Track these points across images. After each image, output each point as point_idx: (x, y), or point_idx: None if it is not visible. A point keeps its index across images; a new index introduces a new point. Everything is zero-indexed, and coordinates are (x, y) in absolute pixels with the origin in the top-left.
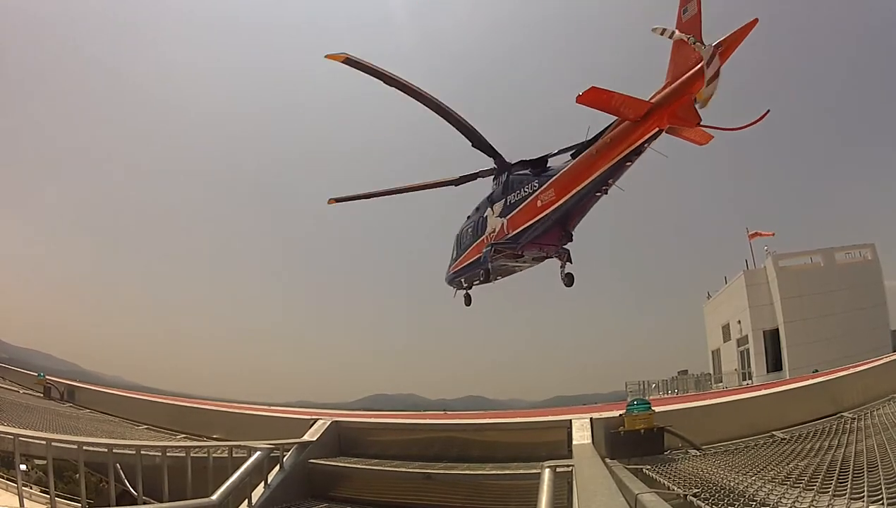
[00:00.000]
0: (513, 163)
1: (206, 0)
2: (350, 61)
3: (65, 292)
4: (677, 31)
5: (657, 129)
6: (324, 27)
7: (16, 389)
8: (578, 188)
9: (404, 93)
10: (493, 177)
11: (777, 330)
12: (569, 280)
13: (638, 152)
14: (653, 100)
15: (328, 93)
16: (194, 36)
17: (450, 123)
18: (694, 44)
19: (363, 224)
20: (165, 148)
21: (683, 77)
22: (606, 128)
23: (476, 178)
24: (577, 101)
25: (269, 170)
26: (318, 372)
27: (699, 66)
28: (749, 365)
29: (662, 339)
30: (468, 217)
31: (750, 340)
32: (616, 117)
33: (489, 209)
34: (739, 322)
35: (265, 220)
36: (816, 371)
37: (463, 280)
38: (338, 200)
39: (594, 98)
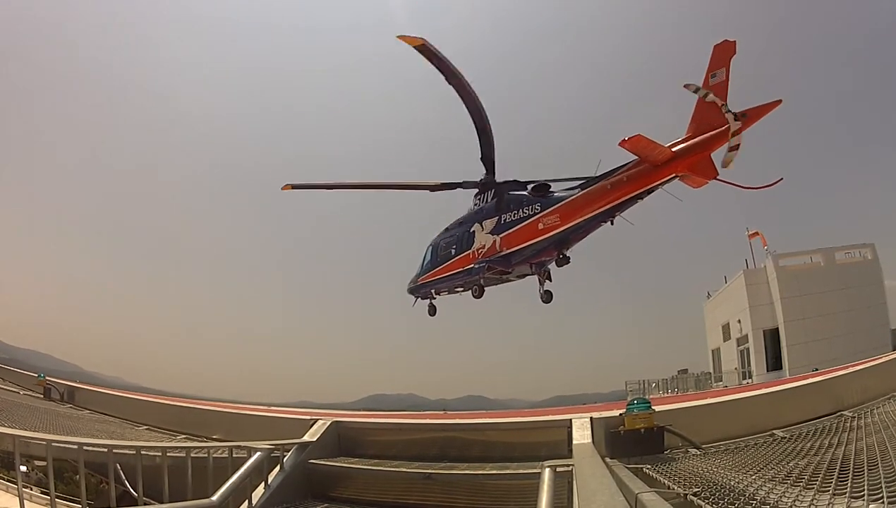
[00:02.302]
0: (500, 182)
1: (207, 7)
2: (424, 48)
3: (65, 293)
4: (712, 94)
5: (673, 175)
6: (326, 31)
7: (16, 390)
8: (586, 217)
9: (460, 94)
10: (476, 191)
11: (777, 329)
12: (547, 297)
13: (650, 192)
14: (675, 149)
15: (329, 95)
16: (196, 41)
17: (476, 129)
18: (726, 113)
19: (363, 224)
20: (166, 150)
21: (709, 134)
22: (621, 166)
23: (456, 188)
24: (619, 145)
25: (270, 171)
26: (317, 373)
27: (724, 128)
28: (749, 364)
29: (662, 339)
30: (446, 228)
31: (750, 339)
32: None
33: (478, 225)
34: (739, 321)
35: (265, 221)
36: (816, 370)
37: (434, 290)
38: (294, 187)
39: (635, 143)
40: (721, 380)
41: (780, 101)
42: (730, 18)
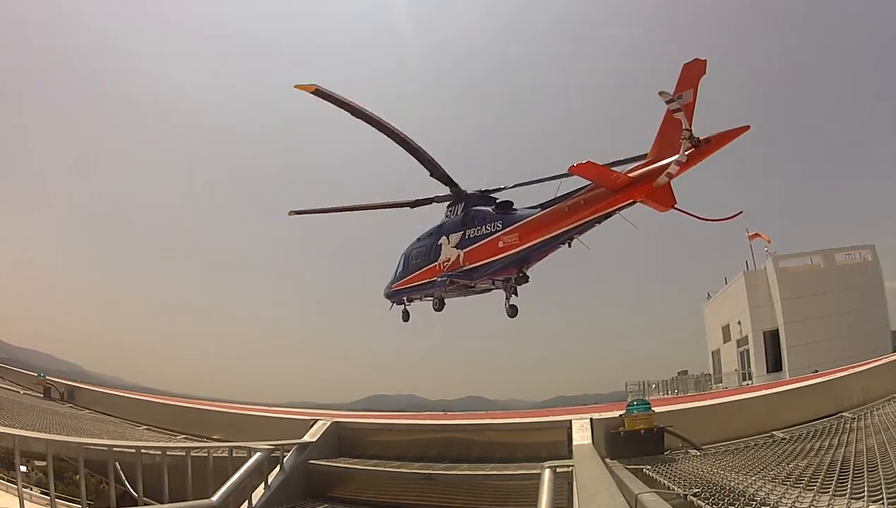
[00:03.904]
0: (469, 193)
1: (207, 14)
2: (319, 92)
3: (65, 292)
4: (680, 110)
5: (631, 201)
6: (328, 38)
7: (16, 389)
8: (543, 238)
9: (370, 124)
10: (448, 204)
11: (777, 330)
12: (512, 311)
13: (607, 216)
14: (633, 175)
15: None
16: (195, 45)
17: (411, 155)
18: (687, 138)
19: (362, 224)
20: (166, 149)
21: (665, 161)
22: (581, 188)
23: (431, 203)
24: (569, 170)
25: (270, 172)
26: (318, 372)
27: (687, 152)
28: (749, 366)
29: (662, 339)
30: (418, 238)
31: (750, 341)
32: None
33: (444, 238)
34: (739, 322)
35: (264, 221)
36: (816, 371)
37: (405, 297)
38: (298, 213)
39: (585, 169)
40: (721, 382)
41: (748, 127)
42: (729, 18)
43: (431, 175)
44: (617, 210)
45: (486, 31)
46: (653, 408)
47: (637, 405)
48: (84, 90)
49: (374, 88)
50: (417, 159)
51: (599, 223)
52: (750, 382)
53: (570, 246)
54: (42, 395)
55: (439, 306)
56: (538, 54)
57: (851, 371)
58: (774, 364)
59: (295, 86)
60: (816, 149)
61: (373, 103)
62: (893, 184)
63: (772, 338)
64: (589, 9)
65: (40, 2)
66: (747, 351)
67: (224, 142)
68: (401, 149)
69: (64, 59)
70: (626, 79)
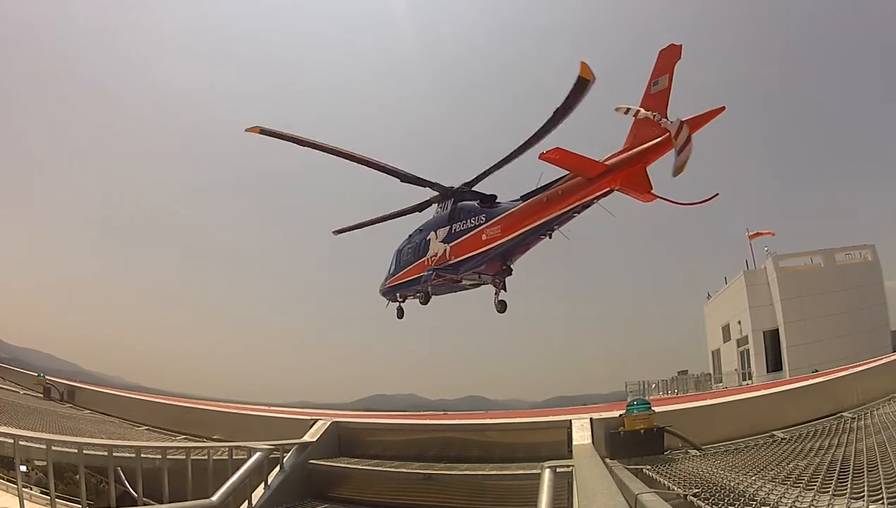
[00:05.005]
0: (456, 187)
1: (205, 14)
2: (266, 131)
3: (65, 292)
4: (641, 109)
5: (608, 189)
6: (328, 38)
7: (16, 389)
8: (523, 230)
9: (326, 151)
10: (437, 201)
11: (777, 330)
12: (501, 307)
13: (586, 206)
14: (608, 163)
15: (329, 95)
16: (197, 42)
17: (376, 169)
18: (659, 121)
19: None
20: (165, 147)
21: (641, 147)
22: (559, 179)
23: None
24: (539, 158)
25: (269, 171)
26: (317, 372)
27: (661, 138)
28: (749, 366)
29: (662, 339)
30: (409, 236)
31: (750, 340)
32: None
33: (433, 233)
34: (739, 322)
35: (265, 220)
36: (816, 371)
37: (398, 294)
38: (341, 231)
39: (556, 156)
40: (721, 381)
41: (723, 108)
42: (731, 15)
43: (401, 181)
44: (595, 199)
45: (485, 30)
46: (653, 408)
47: (637, 405)
48: (83, 89)
49: (374, 88)
50: (381, 171)
51: (579, 213)
52: (750, 382)
53: (550, 237)
54: (42, 395)
55: (424, 300)
56: (538, 54)
57: (851, 370)
58: (774, 363)
59: (246, 130)
60: (817, 148)
61: (372, 103)
62: (894, 184)
63: (772, 338)
64: (588, 8)
65: (40, 1)
66: (747, 350)
67: (224, 141)
68: (403, 151)
69: (64, 58)
70: (626, 78)
